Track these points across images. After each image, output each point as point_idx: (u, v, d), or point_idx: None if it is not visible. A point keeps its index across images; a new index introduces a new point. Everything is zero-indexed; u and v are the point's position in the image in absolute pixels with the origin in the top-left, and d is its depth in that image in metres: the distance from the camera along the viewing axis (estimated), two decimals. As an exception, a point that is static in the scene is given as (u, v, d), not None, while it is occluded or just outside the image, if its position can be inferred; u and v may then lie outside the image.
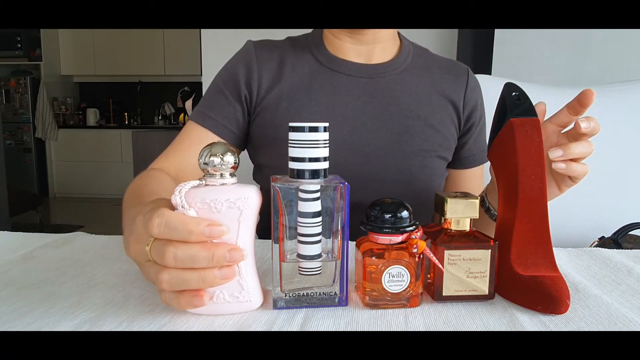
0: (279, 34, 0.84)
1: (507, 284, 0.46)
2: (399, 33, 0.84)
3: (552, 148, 0.53)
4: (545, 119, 0.57)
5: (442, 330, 0.40)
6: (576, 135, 0.54)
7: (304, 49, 0.80)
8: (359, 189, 0.71)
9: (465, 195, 0.47)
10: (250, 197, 0.41)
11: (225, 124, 0.77)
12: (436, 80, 0.81)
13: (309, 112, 0.75)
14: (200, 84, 2.29)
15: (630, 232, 0.68)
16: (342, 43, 0.79)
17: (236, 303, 0.42)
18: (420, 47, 0.86)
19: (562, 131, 0.57)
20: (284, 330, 0.39)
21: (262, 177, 0.81)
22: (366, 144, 0.76)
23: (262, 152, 0.79)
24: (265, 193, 0.43)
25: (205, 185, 0.41)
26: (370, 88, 0.78)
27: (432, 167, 0.78)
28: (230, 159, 0.41)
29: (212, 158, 0.40)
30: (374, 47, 0.79)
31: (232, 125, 0.78)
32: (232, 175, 0.41)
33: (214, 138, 0.77)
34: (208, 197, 0.39)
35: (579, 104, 0.54)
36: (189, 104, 4.59)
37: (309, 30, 0.84)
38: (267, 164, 0.79)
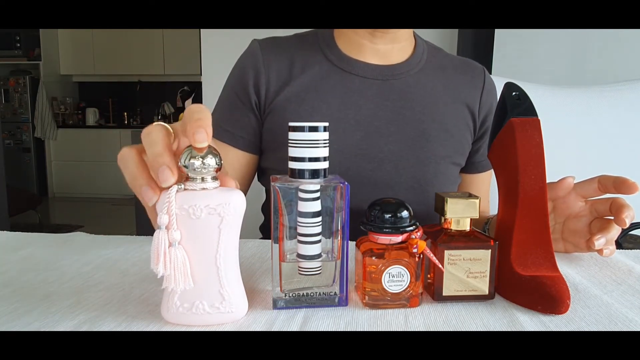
0: (280, 34, 0.82)
1: (507, 284, 0.46)
2: (414, 32, 0.81)
3: (596, 237, 0.52)
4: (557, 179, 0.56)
5: (442, 330, 0.40)
6: (602, 213, 0.54)
7: (314, 48, 0.77)
8: (372, 195, 0.70)
9: (466, 195, 0.47)
10: (233, 203, 0.38)
11: (243, 135, 0.76)
12: (451, 81, 0.79)
13: (320, 115, 0.72)
14: (199, 84, 2.29)
15: (631, 232, 0.68)
16: (360, 41, 0.75)
17: (217, 314, 0.40)
18: (435, 47, 0.83)
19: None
20: (283, 330, 0.39)
21: (267, 181, 0.78)
22: (379, 150, 0.73)
23: (269, 155, 0.77)
24: (268, 194, 0.43)
25: (185, 189, 0.38)
26: (384, 90, 0.75)
27: (446, 174, 0.76)
28: (211, 161, 0.38)
29: (192, 160, 0.37)
30: (392, 47, 0.76)
31: (250, 134, 0.76)
32: (214, 179, 0.39)
33: (234, 152, 0.76)
34: (186, 202, 0.37)
35: (614, 188, 0.53)
36: (188, 103, 4.60)
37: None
38: (273, 168, 0.76)
